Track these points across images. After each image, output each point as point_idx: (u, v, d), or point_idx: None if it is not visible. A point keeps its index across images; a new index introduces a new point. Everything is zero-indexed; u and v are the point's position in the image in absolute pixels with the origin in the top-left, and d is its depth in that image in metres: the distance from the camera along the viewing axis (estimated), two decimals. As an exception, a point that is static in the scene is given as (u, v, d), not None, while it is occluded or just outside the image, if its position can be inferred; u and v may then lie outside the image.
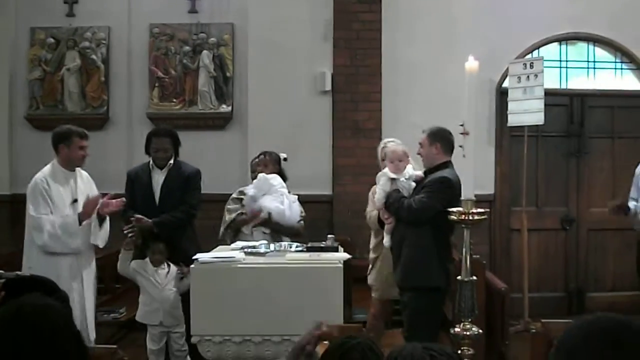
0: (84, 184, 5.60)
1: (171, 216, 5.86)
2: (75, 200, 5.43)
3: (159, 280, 5.69)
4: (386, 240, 5.29)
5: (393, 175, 5.15)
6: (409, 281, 5.06)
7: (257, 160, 6.17)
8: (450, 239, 5.15)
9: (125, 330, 7.18)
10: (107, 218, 5.55)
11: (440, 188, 4.88)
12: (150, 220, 5.75)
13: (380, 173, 5.33)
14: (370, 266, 5.73)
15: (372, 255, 5.75)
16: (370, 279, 5.77)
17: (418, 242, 4.98)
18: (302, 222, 6.04)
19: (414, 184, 5.16)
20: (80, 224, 5.34)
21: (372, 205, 5.70)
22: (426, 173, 5.20)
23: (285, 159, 6.21)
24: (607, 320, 1.82)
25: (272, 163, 6.10)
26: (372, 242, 5.76)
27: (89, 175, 5.73)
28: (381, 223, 5.36)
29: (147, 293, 5.74)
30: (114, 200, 5.48)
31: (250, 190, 5.87)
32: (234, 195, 6.15)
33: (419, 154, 5.25)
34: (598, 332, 1.78)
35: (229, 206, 6.09)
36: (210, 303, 4.82)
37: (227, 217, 6.03)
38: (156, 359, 5.74)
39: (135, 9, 8.38)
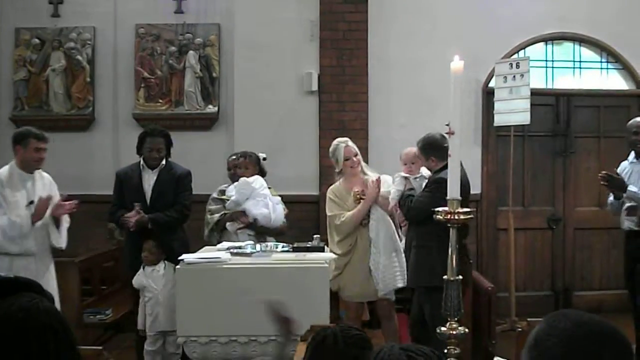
0: (44, 186, 5.56)
1: (165, 215, 5.88)
2: (31, 202, 5.40)
3: (154, 285, 5.67)
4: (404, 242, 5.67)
5: (405, 175, 5.53)
6: (416, 281, 5.27)
7: (235, 158, 6.14)
8: (463, 240, 5.30)
9: (112, 332, 7.16)
10: (65, 220, 5.60)
11: (436, 188, 4.95)
12: (146, 215, 5.76)
13: (396, 174, 5.59)
14: (339, 272, 5.64)
15: (341, 261, 5.61)
16: (340, 283, 5.66)
17: (424, 243, 5.08)
18: (285, 220, 6.09)
19: (423, 184, 5.41)
20: (33, 225, 5.33)
21: (338, 209, 5.71)
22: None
23: (264, 159, 6.24)
24: (587, 330, 1.74)
25: (252, 165, 6.14)
26: (339, 247, 5.66)
27: (51, 177, 5.72)
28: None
29: (148, 300, 5.71)
30: (66, 203, 5.50)
31: (232, 194, 5.92)
32: (214, 195, 6.15)
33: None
34: (579, 345, 1.71)
35: (210, 207, 6.10)
36: (196, 304, 4.82)
37: (209, 217, 6.02)
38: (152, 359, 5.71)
39: (121, 10, 8.34)
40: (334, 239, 5.70)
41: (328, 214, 5.78)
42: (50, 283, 5.48)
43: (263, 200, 5.91)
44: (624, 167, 6.15)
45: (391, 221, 5.74)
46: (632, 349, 1.78)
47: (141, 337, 5.76)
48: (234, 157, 6.18)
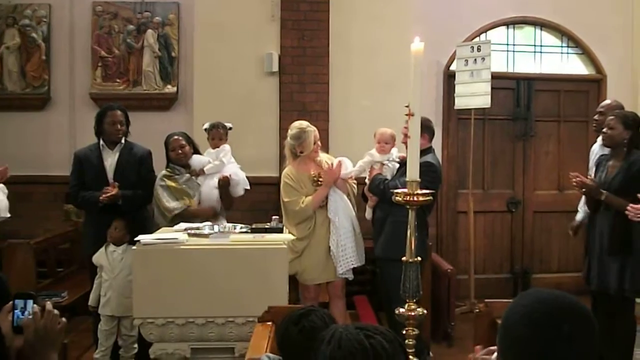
0: None
1: (134, 192, 5.83)
2: None
3: (110, 268, 5.59)
4: (368, 214, 5.86)
5: (379, 158, 5.70)
6: (392, 252, 5.19)
7: (178, 138, 6.03)
8: (427, 218, 5.72)
9: (68, 315, 7.03)
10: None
11: (425, 172, 5.00)
12: (119, 191, 5.69)
13: (367, 152, 5.79)
14: (298, 255, 5.62)
15: (300, 245, 5.59)
16: (299, 267, 5.64)
17: (402, 219, 5.06)
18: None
19: (397, 165, 5.62)
20: None
21: (296, 194, 5.68)
22: None
23: (230, 128, 6.32)
24: (550, 304, 1.80)
25: (225, 135, 6.24)
26: (297, 231, 5.61)
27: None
28: (365, 198, 5.88)
29: (104, 281, 5.63)
30: None
31: (226, 159, 6.07)
32: (166, 173, 5.98)
33: (405, 142, 5.46)
34: (544, 320, 1.76)
35: (166, 198, 5.93)
36: (153, 285, 4.76)
37: (174, 204, 5.85)
38: (105, 339, 5.63)
39: (78, -13, 8.16)
40: (292, 222, 5.65)
41: (285, 199, 5.71)
42: None
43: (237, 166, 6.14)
44: (595, 150, 6.19)
45: (348, 201, 5.75)
46: (593, 319, 1.81)
47: (97, 317, 5.67)
48: (176, 137, 6.06)
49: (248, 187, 6.10)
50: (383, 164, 5.71)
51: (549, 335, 1.74)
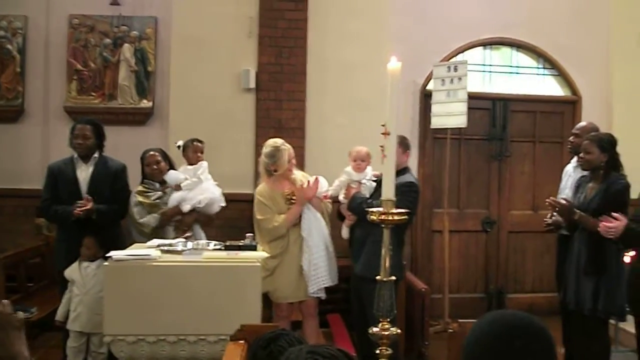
0: None
1: (109, 207, 5.78)
2: None
3: (82, 282, 5.53)
4: (345, 233, 5.79)
5: (356, 177, 5.67)
6: (373, 272, 5.14)
7: (152, 154, 6.04)
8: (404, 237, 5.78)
9: (37, 330, 6.93)
10: None
11: (408, 192, 5.23)
12: (94, 206, 5.63)
13: (344, 171, 5.77)
14: (270, 273, 5.57)
15: (272, 263, 5.55)
16: (270, 285, 5.58)
17: (382, 238, 5.07)
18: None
19: (374, 184, 5.59)
20: None
21: (269, 212, 5.66)
22: None
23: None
24: (503, 322, 1.87)
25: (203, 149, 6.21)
26: (269, 249, 5.57)
27: None
28: (341, 216, 5.85)
29: (74, 296, 5.56)
30: None
31: (204, 176, 6.03)
32: (140, 189, 5.96)
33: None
34: (497, 337, 1.83)
35: (140, 207, 5.91)
36: (124, 302, 4.70)
37: (146, 219, 5.86)
38: (74, 356, 5.57)
39: (54, -1, 8.11)
40: (264, 240, 5.61)
41: (258, 217, 5.67)
42: None
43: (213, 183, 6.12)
44: (568, 171, 6.26)
45: (322, 220, 5.73)
46: (548, 336, 1.85)
47: (66, 333, 5.60)
48: (152, 152, 6.05)
49: (224, 204, 6.07)
50: (361, 183, 5.70)
51: (501, 349, 1.80)
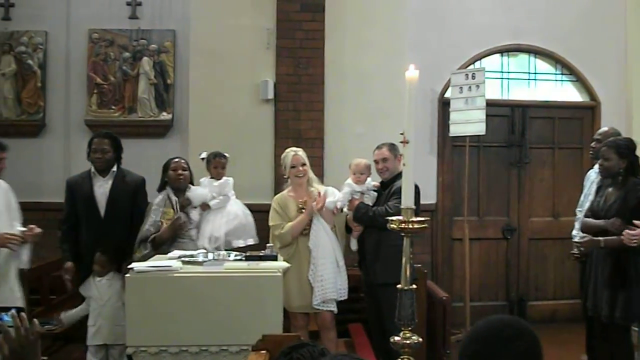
0: (3, 194, 5.40)
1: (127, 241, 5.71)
2: None
3: (99, 296, 5.57)
4: (353, 245, 5.86)
5: (358, 189, 5.73)
6: (391, 277, 5.13)
7: (213, 158, 6.00)
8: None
9: (62, 343, 6.99)
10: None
11: None
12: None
13: (345, 183, 5.80)
14: None
15: None
16: None
17: (395, 242, 5.05)
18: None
19: (376, 194, 5.75)
20: None
21: (280, 219, 5.73)
22: (382, 183, 5.84)
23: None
24: (494, 321, 2.08)
25: (226, 164, 6.08)
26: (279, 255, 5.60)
27: (9, 185, 5.56)
28: (348, 229, 5.86)
29: (92, 310, 5.61)
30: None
31: (229, 193, 5.94)
32: (158, 201, 5.86)
33: (381, 169, 5.81)
34: (482, 340, 2.04)
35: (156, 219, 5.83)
36: (146, 313, 4.70)
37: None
38: None
39: (74, 14, 8.19)
40: (275, 247, 5.64)
41: (270, 223, 5.80)
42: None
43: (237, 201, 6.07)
44: (590, 177, 6.25)
45: (333, 233, 5.75)
46: (534, 336, 2.04)
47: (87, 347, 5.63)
48: (179, 159, 5.97)
49: (253, 241, 5.98)
50: (363, 194, 5.76)
51: (491, 342, 2.00)
